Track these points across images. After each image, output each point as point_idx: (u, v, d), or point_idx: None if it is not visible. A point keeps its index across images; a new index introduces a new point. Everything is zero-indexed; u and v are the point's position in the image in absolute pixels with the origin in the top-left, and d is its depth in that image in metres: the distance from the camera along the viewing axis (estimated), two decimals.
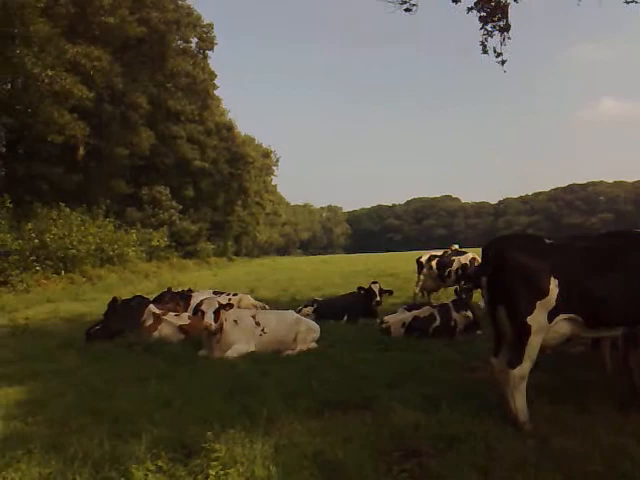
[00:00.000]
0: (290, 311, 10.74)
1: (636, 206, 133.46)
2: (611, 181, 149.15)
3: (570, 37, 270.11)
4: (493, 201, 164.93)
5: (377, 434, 5.11)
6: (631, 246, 5.78)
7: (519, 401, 5.30)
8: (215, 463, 4.40)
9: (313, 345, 9.69)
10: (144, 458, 4.56)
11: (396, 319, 11.08)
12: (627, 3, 11.30)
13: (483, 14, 11.27)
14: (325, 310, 12.96)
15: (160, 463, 4.46)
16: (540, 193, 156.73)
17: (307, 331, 9.77)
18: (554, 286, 5.34)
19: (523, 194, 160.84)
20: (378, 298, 13.28)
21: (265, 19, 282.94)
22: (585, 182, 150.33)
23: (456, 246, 24.66)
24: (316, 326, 10.10)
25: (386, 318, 11.24)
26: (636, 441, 4.64)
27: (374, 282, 13.77)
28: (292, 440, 5.00)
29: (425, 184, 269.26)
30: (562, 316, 5.43)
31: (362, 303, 13.23)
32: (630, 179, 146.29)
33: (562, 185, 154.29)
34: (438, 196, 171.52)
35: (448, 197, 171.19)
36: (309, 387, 6.77)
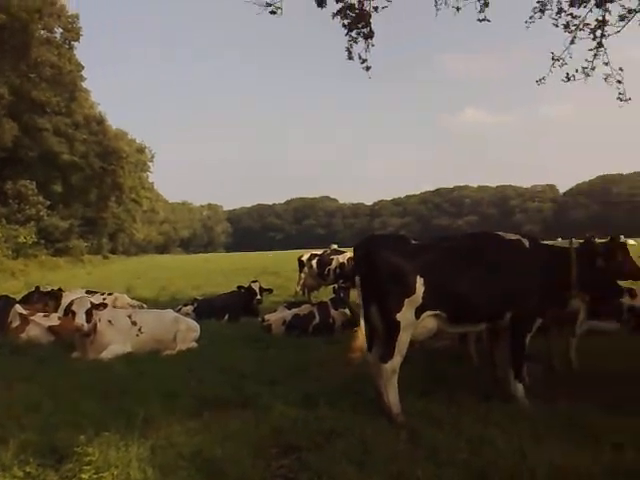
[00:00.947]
0: (169, 310, 10.52)
1: (498, 209, 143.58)
2: (475, 185, 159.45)
3: (435, 47, 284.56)
4: (369, 202, 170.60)
5: (256, 431, 5.15)
6: (491, 246, 6.21)
7: (391, 394, 5.54)
8: (88, 467, 4.25)
9: (193, 345, 9.54)
10: (11, 464, 4.33)
11: (277, 317, 11.19)
12: (480, 21, 12.12)
13: (347, 21, 11.63)
14: (205, 309, 12.81)
15: (29, 469, 4.26)
16: (412, 196, 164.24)
17: (187, 330, 9.61)
18: (420, 284, 5.61)
19: (396, 196, 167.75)
20: (259, 296, 13.37)
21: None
22: (452, 186, 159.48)
23: (335, 246, 25.30)
24: (196, 325, 9.96)
25: (267, 316, 11.32)
26: (499, 430, 4.96)
27: (254, 281, 13.82)
28: (170, 441, 4.92)
29: (304, 184, 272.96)
30: (428, 313, 5.71)
31: (243, 302, 13.26)
32: (493, 184, 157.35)
33: (431, 189, 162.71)
34: (317, 197, 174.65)
35: (327, 198, 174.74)
36: (188, 387, 6.68)
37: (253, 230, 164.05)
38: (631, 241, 50.47)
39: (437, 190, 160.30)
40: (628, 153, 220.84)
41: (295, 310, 11.36)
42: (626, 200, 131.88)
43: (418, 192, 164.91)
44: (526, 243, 6.26)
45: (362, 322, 5.96)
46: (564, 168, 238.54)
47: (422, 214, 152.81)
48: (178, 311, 11.68)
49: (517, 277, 6.00)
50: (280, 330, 10.80)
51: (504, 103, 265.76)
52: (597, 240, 8.92)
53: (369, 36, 11.81)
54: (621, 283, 8.69)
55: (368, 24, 11.70)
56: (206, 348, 9.29)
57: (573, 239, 6.71)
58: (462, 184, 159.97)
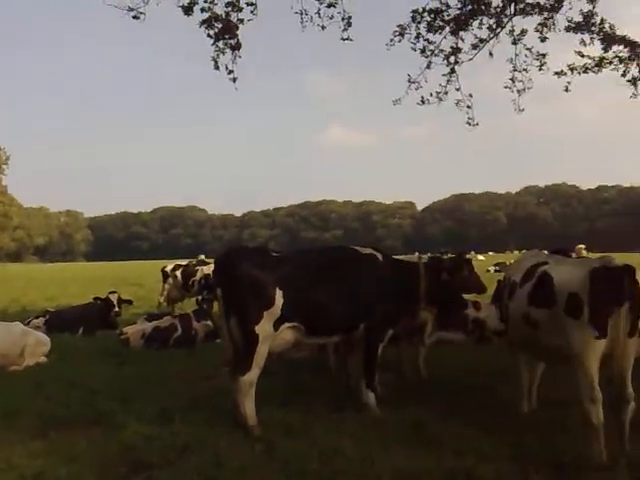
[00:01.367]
0: (16, 323, 9.81)
1: (362, 223, 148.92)
2: (341, 200, 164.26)
3: (302, 64, 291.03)
4: (238, 214, 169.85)
5: (105, 450, 4.97)
6: (346, 260, 6.46)
7: (248, 406, 5.55)
8: None
9: (43, 359, 8.98)
10: None
11: (135, 330, 10.85)
12: (343, 40, 12.59)
13: (214, 31, 11.67)
14: (58, 322, 12.12)
15: None
16: (280, 208, 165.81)
17: (36, 344, 9.03)
18: (279, 297, 5.69)
19: (265, 208, 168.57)
20: (117, 308, 12.82)
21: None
22: (319, 200, 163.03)
23: (202, 256, 24.93)
24: (46, 339, 9.39)
25: (125, 329, 10.95)
26: (351, 440, 5.10)
27: (112, 292, 13.25)
28: (10, 462, 4.65)
29: (171, 193, 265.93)
30: (287, 325, 5.80)
31: (99, 314, 12.65)
32: (357, 199, 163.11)
33: (298, 202, 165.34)
34: (184, 206, 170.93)
35: (195, 207, 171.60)
36: (34, 404, 6.30)
37: (117, 239, 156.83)
38: (480, 257, 54.58)
39: (304, 203, 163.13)
40: (479, 174, 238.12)
41: (156, 322, 11.07)
42: (477, 217, 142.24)
43: (286, 205, 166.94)
44: (379, 257, 6.56)
45: (225, 335, 5.92)
46: (422, 186, 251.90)
47: (290, 226, 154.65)
48: (27, 324, 11.01)
49: (371, 290, 6.25)
50: (139, 343, 10.47)
51: (368, 122, 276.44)
52: (450, 255, 9.61)
53: (236, 47, 11.84)
54: (467, 296, 9.41)
55: (235, 36, 11.73)
56: (57, 363, 8.80)
57: (419, 254, 7.16)
58: (328, 199, 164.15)
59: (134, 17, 10.71)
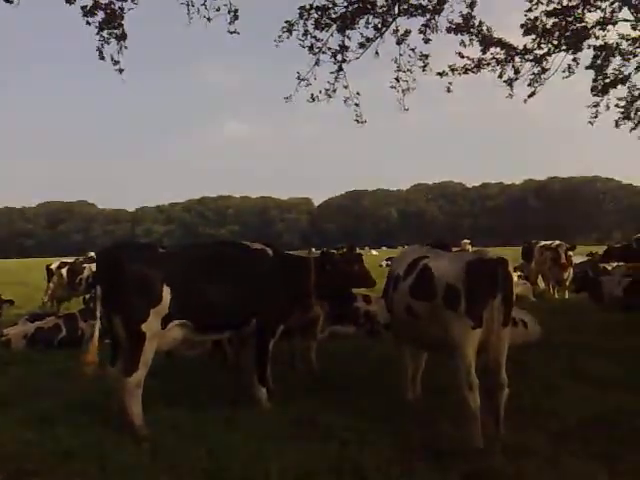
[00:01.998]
0: None
1: (259, 219, 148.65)
2: (238, 196, 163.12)
3: (196, 55, 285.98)
4: (131, 209, 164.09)
5: None
6: (236, 255, 6.43)
7: (135, 407, 5.40)
8: None
9: None
10: None
11: (17, 331, 10.35)
12: (230, 33, 12.45)
13: (98, 20, 11.27)
14: None
15: None
16: (176, 204, 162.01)
17: None
18: (167, 293, 5.55)
19: (160, 203, 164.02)
20: None
21: None
22: (216, 195, 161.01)
23: (92, 253, 23.85)
24: None
25: (6, 331, 10.38)
26: (241, 436, 5.12)
27: None
28: None
29: (59, 187, 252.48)
30: (175, 322, 5.67)
31: None
32: (254, 195, 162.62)
33: (196, 197, 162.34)
34: (73, 201, 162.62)
35: (84, 202, 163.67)
36: None
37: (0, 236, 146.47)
38: (374, 251, 56.13)
39: (202, 199, 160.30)
40: (371, 171, 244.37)
41: (39, 323, 10.54)
42: (372, 214, 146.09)
43: (183, 200, 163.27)
44: (270, 252, 6.60)
45: (96, 334, 5.65)
46: (319, 182, 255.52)
47: (186, 222, 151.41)
48: None
49: (261, 285, 6.27)
50: (21, 345, 9.95)
51: (264, 116, 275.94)
52: (344, 250, 9.81)
53: (122, 38, 11.46)
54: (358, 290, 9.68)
55: (120, 25, 11.35)
56: None
57: (313, 249, 7.27)
58: (226, 194, 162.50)
59: (6, 1, 10.05)
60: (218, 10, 12.04)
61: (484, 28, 13.93)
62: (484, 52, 14.43)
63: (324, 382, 7.10)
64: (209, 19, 12.07)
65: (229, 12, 12.16)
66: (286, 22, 13.18)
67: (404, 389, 6.34)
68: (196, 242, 7.34)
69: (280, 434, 5.25)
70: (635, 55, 15.12)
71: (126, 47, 11.58)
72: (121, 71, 11.79)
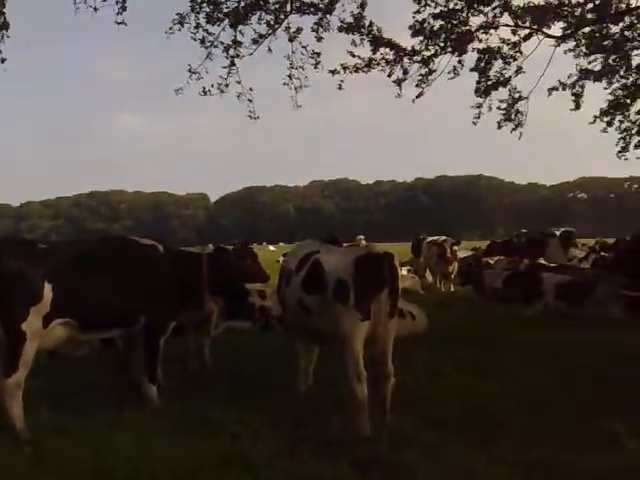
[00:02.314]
0: None
1: (154, 214, 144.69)
2: (131, 190, 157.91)
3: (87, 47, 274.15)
4: (15, 203, 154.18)
5: None
6: (124, 251, 6.24)
7: (15, 409, 5.13)
8: None
9: None
10: None
11: None
12: (117, 24, 12.16)
13: None
14: None
15: None
16: (64, 198, 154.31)
17: None
18: (48, 291, 5.30)
19: (46, 198, 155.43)
20: None
21: None
22: (107, 190, 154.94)
23: None
24: None
25: None
26: (130, 436, 4.97)
27: None
28: None
29: None
30: (58, 321, 5.43)
31: None
32: (149, 190, 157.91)
33: (85, 191, 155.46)
34: None
35: None
36: None
37: None
38: (271, 247, 56.27)
39: (91, 193, 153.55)
40: (270, 166, 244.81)
41: None
42: (269, 210, 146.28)
43: (71, 194, 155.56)
44: (160, 248, 6.43)
45: None
46: (215, 178, 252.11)
47: (75, 217, 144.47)
48: None
49: (150, 282, 6.11)
50: None
51: (159, 110, 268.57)
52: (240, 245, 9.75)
53: (3, 27, 10.86)
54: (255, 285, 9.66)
55: (2, 13, 10.73)
56: None
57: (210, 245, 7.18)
58: (118, 188, 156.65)
59: None
60: (105, 0, 11.72)
61: (374, 28, 14.28)
62: (374, 52, 14.79)
63: (217, 378, 7.05)
64: (96, 9, 11.76)
65: (117, 2, 11.85)
66: (177, 14, 12.94)
67: (297, 382, 6.42)
68: (83, 238, 6.98)
69: (170, 432, 5.16)
70: (515, 59, 16.00)
71: (8, 36, 11.05)
72: (3, 61, 11.24)
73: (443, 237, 17.79)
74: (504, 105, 16.85)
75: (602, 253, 18.48)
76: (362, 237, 32.24)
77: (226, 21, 13.32)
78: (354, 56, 14.69)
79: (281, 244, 76.92)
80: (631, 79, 17.33)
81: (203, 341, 7.94)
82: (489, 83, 16.22)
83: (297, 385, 6.42)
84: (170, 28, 12.99)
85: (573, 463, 4.44)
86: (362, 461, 4.58)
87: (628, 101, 17.79)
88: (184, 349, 7.98)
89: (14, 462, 4.48)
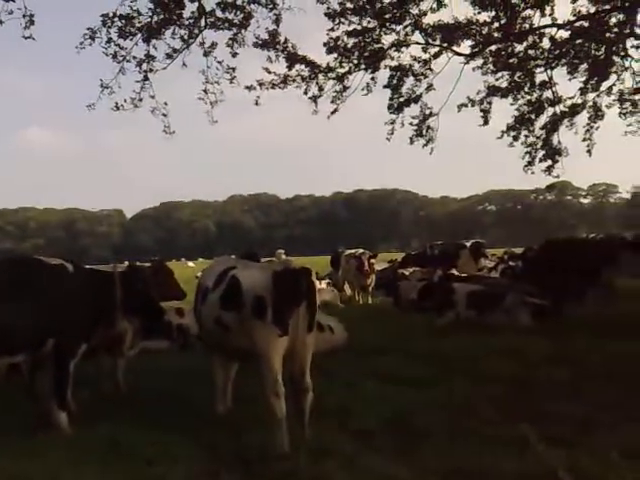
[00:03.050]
0: None
1: (66, 232, 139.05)
2: (42, 207, 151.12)
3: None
4: None
5: None
6: (30, 272, 5.93)
7: None
8: None
9: None
10: None
11: None
12: (25, 38, 11.70)
13: None
14: None
15: None
16: None
17: None
18: None
19: None
20: None
21: None
22: (16, 207, 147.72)
23: None
24: None
25: None
26: (40, 463, 4.77)
27: None
28: None
29: None
30: None
31: None
32: (60, 206, 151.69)
33: None
34: None
35: None
36: None
37: None
38: (190, 263, 55.23)
39: (1, 210, 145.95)
40: (187, 182, 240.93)
41: None
42: (188, 225, 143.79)
43: None
44: (69, 267, 6.18)
45: None
46: (131, 193, 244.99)
47: None
48: None
49: (60, 303, 5.85)
50: None
51: (70, 124, 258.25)
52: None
53: None
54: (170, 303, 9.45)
55: None
56: None
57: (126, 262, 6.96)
58: (27, 205, 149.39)
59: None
60: (11, 13, 11.28)
61: (289, 45, 14.53)
62: (290, 68, 15.02)
63: (132, 400, 6.85)
64: (1, 22, 11.27)
65: (24, 16, 11.43)
66: (88, 29, 12.65)
67: (215, 401, 6.32)
68: None
69: (82, 458, 4.97)
70: (426, 76, 16.65)
71: None
72: None
73: (361, 250, 18.04)
74: (416, 121, 17.42)
75: (510, 263, 19.34)
76: (282, 251, 32.28)
77: (139, 35, 13.12)
78: (270, 72, 14.85)
79: (200, 260, 75.70)
80: (535, 95, 18.31)
81: (117, 362, 7.67)
82: (401, 100, 16.74)
83: (215, 404, 6.31)
84: (81, 43, 12.71)
85: (489, 469, 4.57)
86: (281, 477, 4.56)
87: (533, 116, 18.76)
88: (97, 371, 7.68)
89: None
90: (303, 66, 15.10)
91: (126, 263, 8.25)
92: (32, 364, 6.14)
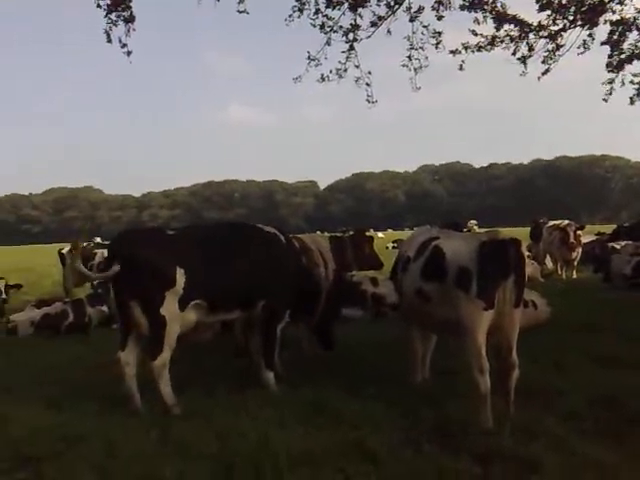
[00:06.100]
0: None
1: (265, 202, 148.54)
2: (244, 179, 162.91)
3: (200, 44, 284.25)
4: (137, 194, 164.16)
5: None
6: (247, 237, 6.31)
7: (164, 388, 5.45)
8: None
9: None
10: None
11: (24, 318, 10.35)
12: (239, 12, 12.30)
13: (107, 2, 11.17)
14: None
15: None
16: (181, 188, 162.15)
17: None
18: (180, 275, 5.50)
19: (166, 188, 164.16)
20: (4, 295, 12.12)
21: None
22: (222, 180, 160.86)
23: (98, 239, 23.83)
24: None
25: (13, 317, 10.40)
26: (250, 421, 5.04)
27: None
28: None
29: (63, 174, 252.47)
30: (191, 303, 5.62)
31: None
32: (260, 179, 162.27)
33: (202, 181, 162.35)
34: (80, 186, 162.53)
35: (90, 188, 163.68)
36: None
37: (6, 222, 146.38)
38: (380, 234, 55.91)
39: (208, 183, 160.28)
40: (378, 153, 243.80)
41: (45, 309, 10.54)
42: (377, 195, 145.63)
43: (189, 184, 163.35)
44: (281, 237, 6.51)
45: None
46: (324, 165, 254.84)
47: (192, 206, 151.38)
48: None
49: (272, 268, 6.17)
50: (28, 331, 9.98)
51: (270, 100, 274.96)
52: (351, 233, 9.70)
53: (130, 20, 11.36)
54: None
55: (128, 7, 11.23)
56: None
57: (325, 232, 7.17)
58: (232, 178, 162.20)
59: None
60: None
61: (498, 5, 13.66)
62: (498, 29, 14.14)
63: (332, 366, 6.92)
64: None
65: None
66: (297, 1, 12.89)
67: (413, 372, 6.27)
68: (204, 224, 7.22)
69: (288, 419, 5.13)
70: None
71: (134, 29, 11.53)
72: (129, 53, 11.75)
73: (566, 221, 16.80)
74: (638, 79, 15.57)
75: None
76: (474, 222, 31.32)
77: (346, 4, 13.14)
78: (476, 35, 14.13)
79: (390, 231, 76.52)
80: None
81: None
82: (622, 57, 15.03)
83: (413, 375, 6.26)
84: (289, 15, 13.01)
85: None
86: (484, 454, 4.37)
87: None
88: (298, 336, 7.96)
89: (143, 444, 4.64)
90: (512, 26, 14.14)
91: (318, 232, 8.44)
92: (246, 325, 6.58)
